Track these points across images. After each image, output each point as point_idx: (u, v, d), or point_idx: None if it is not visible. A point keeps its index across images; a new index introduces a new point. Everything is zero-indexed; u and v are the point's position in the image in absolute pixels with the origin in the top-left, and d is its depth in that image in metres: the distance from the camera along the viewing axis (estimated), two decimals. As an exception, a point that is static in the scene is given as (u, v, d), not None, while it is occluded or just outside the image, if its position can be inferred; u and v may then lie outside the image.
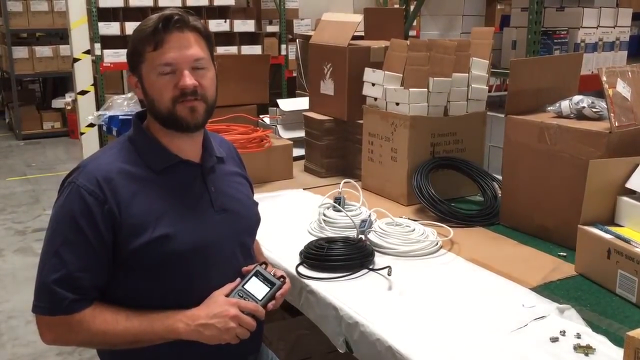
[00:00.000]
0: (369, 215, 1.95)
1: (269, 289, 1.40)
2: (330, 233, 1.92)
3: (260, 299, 1.38)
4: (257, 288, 1.39)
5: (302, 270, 1.69)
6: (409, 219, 2.06)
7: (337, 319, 1.49)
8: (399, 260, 1.76)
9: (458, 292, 1.57)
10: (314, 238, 1.89)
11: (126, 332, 1.31)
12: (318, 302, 1.58)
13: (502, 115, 2.48)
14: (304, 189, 2.51)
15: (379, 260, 1.74)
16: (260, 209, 2.28)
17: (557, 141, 1.84)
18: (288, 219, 2.13)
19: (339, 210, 1.99)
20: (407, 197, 2.26)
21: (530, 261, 1.78)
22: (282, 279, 1.44)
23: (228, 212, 1.46)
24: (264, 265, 1.44)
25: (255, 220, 1.59)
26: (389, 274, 1.60)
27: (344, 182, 2.09)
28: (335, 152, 2.68)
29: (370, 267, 1.69)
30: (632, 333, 1.05)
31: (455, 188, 2.33)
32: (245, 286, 1.38)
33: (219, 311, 1.32)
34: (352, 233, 1.87)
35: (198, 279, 1.38)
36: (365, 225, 1.87)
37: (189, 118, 1.35)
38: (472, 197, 2.35)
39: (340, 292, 1.57)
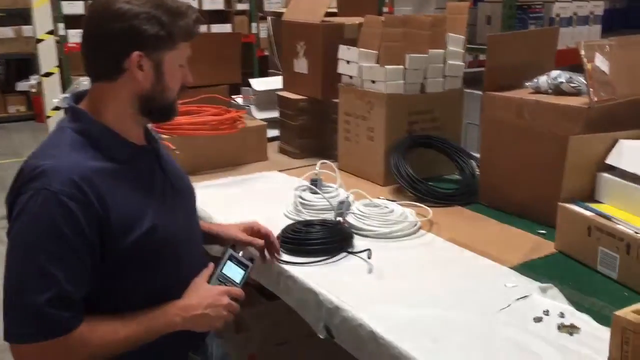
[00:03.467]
0: (347, 197, 1.91)
1: (244, 271, 1.43)
2: (307, 216, 1.87)
3: (238, 282, 1.40)
4: (233, 272, 1.41)
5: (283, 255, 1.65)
6: (387, 199, 2.03)
7: (317, 304, 1.46)
8: (379, 242, 1.73)
9: (439, 273, 1.55)
10: (291, 222, 1.85)
11: (127, 339, 1.25)
12: (297, 287, 1.54)
13: (479, 92, 2.45)
14: (279, 170, 2.45)
15: (358, 242, 1.71)
16: (234, 192, 2.24)
17: (536, 117, 1.82)
18: (264, 202, 2.08)
19: (316, 192, 1.95)
20: (384, 177, 2.22)
21: (510, 240, 1.76)
22: (251, 260, 1.46)
23: (182, 193, 1.44)
24: (232, 248, 1.46)
25: (195, 195, 1.54)
26: (369, 257, 1.56)
27: (321, 163, 2.04)
28: (311, 132, 2.63)
29: (350, 250, 1.66)
30: (619, 313, 1.03)
31: (433, 167, 2.30)
32: (223, 271, 1.39)
33: (212, 301, 1.33)
34: (330, 215, 1.83)
35: (184, 266, 1.37)
36: (343, 207, 1.83)
37: (177, 110, 1.39)
38: (450, 176, 2.33)
39: (319, 276, 1.53)
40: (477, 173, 2.18)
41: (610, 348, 1.05)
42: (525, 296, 1.41)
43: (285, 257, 1.63)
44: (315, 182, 1.98)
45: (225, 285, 1.38)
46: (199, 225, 1.54)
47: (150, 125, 1.44)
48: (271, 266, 1.62)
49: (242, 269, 1.42)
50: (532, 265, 1.59)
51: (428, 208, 1.90)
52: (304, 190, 1.99)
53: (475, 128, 2.60)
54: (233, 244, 1.51)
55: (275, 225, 1.76)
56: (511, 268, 1.56)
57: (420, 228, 1.82)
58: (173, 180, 1.41)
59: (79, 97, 1.34)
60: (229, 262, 1.41)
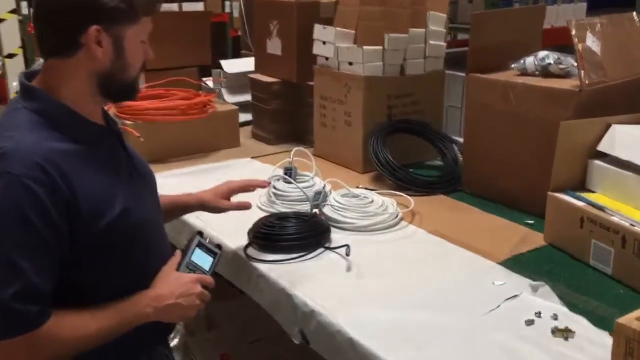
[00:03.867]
0: (323, 187, 1.79)
1: (212, 258, 1.35)
2: (281, 208, 1.75)
3: (207, 270, 1.33)
4: (202, 259, 1.34)
5: (251, 252, 1.53)
6: (366, 188, 1.91)
7: (291, 307, 1.34)
8: (358, 236, 1.61)
9: (422, 270, 1.44)
10: (265, 214, 1.73)
11: (98, 333, 1.15)
12: (269, 287, 1.42)
13: (460, 74, 2.35)
14: (252, 157, 2.32)
15: (336, 236, 1.60)
16: (204, 181, 2.10)
17: (523, 101, 1.71)
18: (235, 192, 1.95)
19: (290, 182, 1.83)
20: (362, 164, 2.11)
21: (496, 231, 1.66)
22: (219, 247, 1.38)
23: (146, 178, 1.36)
24: (200, 234, 1.38)
25: (156, 181, 1.45)
26: (347, 254, 1.45)
27: (295, 150, 1.91)
28: (285, 117, 2.50)
29: (327, 245, 1.54)
30: (622, 320, 0.93)
31: (413, 153, 2.19)
32: (192, 259, 1.32)
33: (184, 290, 1.25)
34: (306, 207, 1.71)
35: (153, 254, 1.30)
36: (319, 198, 1.71)
37: (138, 89, 1.31)
38: (431, 162, 2.23)
39: (294, 275, 1.41)
40: (460, 158, 2.07)
41: (613, 359, 0.95)
42: (515, 295, 1.31)
43: (257, 254, 1.52)
44: (289, 171, 1.86)
45: (195, 273, 1.30)
46: (163, 214, 1.44)
47: (110, 110, 1.35)
48: (241, 263, 1.51)
49: (210, 256, 1.35)
50: (520, 259, 1.49)
51: (409, 197, 1.79)
52: (277, 179, 1.86)
53: (457, 111, 2.49)
54: (200, 231, 1.42)
55: (248, 219, 1.64)
56: (499, 263, 1.46)
57: (401, 219, 1.71)
58: (137, 164, 1.32)
59: (31, 75, 1.22)
60: (197, 250, 1.34)
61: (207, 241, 1.38)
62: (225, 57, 4.33)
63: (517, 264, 1.46)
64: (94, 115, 1.23)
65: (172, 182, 1.94)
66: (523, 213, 1.74)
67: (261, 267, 1.47)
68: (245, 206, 1.54)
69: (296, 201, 1.76)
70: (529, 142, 1.71)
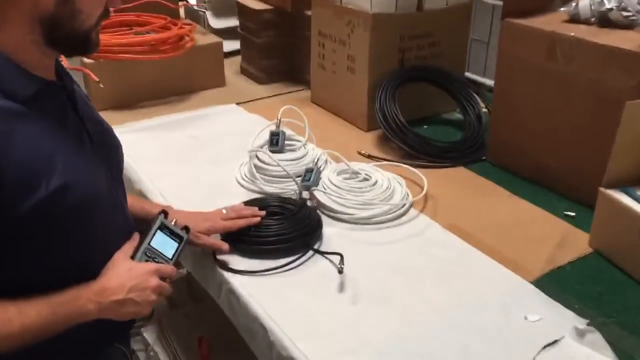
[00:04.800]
0: (316, 160, 1.46)
1: (177, 243, 1.13)
2: (264, 185, 1.43)
3: (170, 257, 1.11)
4: (164, 244, 1.11)
5: (223, 254, 1.22)
6: (369, 156, 1.59)
7: (266, 344, 1.05)
8: (356, 231, 1.30)
9: (434, 293, 1.13)
10: (244, 192, 1.42)
11: (24, 331, 0.93)
12: (242, 309, 1.13)
13: (490, 1, 1.95)
14: (237, 103, 1.97)
15: (329, 230, 1.29)
16: (174, 139, 1.77)
17: (574, 60, 1.33)
18: (213, 157, 1.62)
19: (276, 152, 1.50)
20: (367, 121, 1.76)
21: (528, 227, 1.33)
22: (185, 230, 1.15)
23: (104, 148, 1.10)
24: (164, 214, 1.13)
25: (122, 153, 1.20)
26: (340, 271, 1.14)
27: (284, 110, 1.56)
28: (277, 51, 2.12)
29: (317, 246, 1.24)
30: None
31: (427, 104, 1.84)
32: (151, 244, 1.08)
33: (137, 282, 1.03)
34: (293, 186, 1.40)
35: (106, 240, 1.06)
36: (310, 177, 1.38)
37: (97, 42, 1.01)
38: (449, 114, 1.87)
39: (272, 295, 1.11)
40: (484, 111, 1.73)
41: None
42: (555, 341, 1.01)
43: (228, 257, 1.21)
44: (275, 137, 1.52)
45: (155, 261, 1.08)
46: (125, 192, 1.18)
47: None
48: (210, 266, 1.21)
49: (174, 240, 1.12)
50: (560, 276, 1.18)
51: (422, 175, 1.46)
52: (262, 147, 1.53)
53: (483, 47, 2.10)
54: (164, 210, 1.15)
55: (225, 199, 1.34)
56: (533, 282, 1.15)
57: (411, 206, 1.39)
58: (91, 130, 1.05)
59: None
60: (158, 233, 1.11)
61: (173, 223, 1.14)
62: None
63: (555, 281, 1.15)
64: (39, 69, 0.97)
65: (132, 139, 1.62)
66: (561, 197, 1.42)
67: (232, 279, 1.17)
68: (220, 248, 1.22)
69: (282, 177, 1.44)
70: (577, 112, 1.36)
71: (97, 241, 1.04)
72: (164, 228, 1.12)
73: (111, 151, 1.14)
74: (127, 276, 1.02)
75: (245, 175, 1.49)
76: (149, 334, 1.90)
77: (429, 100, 1.83)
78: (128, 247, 1.08)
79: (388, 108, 1.64)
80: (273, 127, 1.53)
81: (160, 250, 1.09)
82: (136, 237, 1.10)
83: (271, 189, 1.43)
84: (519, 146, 1.51)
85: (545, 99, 1.41)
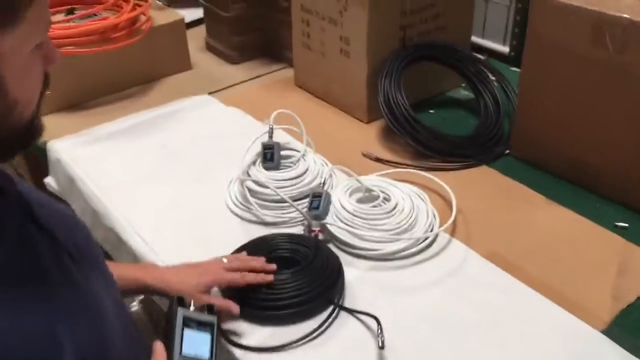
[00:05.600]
0: (323, 182, 1.22)
1: (209, 334, 0.88)
2: (264, 215, 1.20)
3: (210, 357, 0.85)
4: (196, 343, 0.86)
5: (229, 320, 1.00)
6: (377, 159, 1.37)
7: None
8: (381, 272, 1.09)
9: (490, 353, 0.94)
10: (238, 221, 1.19)
11: None
12: (262, 398, 0.92)
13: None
14: (210, 93, 1.69)
15: (349, 273, 1.07)
16: (138, 149, 1.50)
17: (627, 47, 1.11)
18: (191, 173, 1.37)
19: (273, 169, 1.26)
20: (367, 111, 1.52)
21: (577, 245, 1.14)
22: (209, 311, 0.91)
23: (83, 250, 0.76)
24: (178, 302, 0.88)
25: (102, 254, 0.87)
26: (381, 345, 0.93)
27: (275, 115, 1.30)
28: (250, 25, 1.82)
29: (340, 299, 1.02)
30: None
31: (431, 83, 1.62)
32: (184, 352, 0.83)
33: None
34: (295, 214, 1.17)
35: None
36: (319, 205, 1.15)
37: (41, 127, 0.68)
38: (454, 92, 1.65)
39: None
40: (496, 85, 1.51)
41: None
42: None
43: (233, 325, 0.99)
44: (269, 151, 1.27)
45: None
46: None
47: None
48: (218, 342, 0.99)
49: (205, 332, 0.88)
50: (632, 317, 1.00)
51: (444, 185, 1.24)
52: (253, 163, 1.28)
53: (503, 10, 1.86)
54: (179, 296, 0.89)
55: (217, 229, 1.12)
56: (604, 332, 0.97)
57: (439, 229, 1.18)
58: (69, 242, 0.73)
59: None
60: (185, 332, 0.85)
61: (192, 309, 0.89)
62: None
63: (628, 326, 0.98)
64: None
65: (97, 152, 1.37)
66: (604, 200, 1.24)
67: (245, 357, 0.95)
68: (229, 309, 0.97)
69: (283, 202, 1.20)
70: (630, 106, 1.15)
71: None
72: (188, 322, 0.87)
73: (93, 250, 0.81)
74: None
75: (237, 199, 1.25)
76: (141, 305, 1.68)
77: (433, 79, 1.59)
78: None
79: (394, 98, 1.40)
80: (265, 140, 1.28)
81: (195, 355, 0.84)
82: (159, 351, 0.78)
83: (271, 217, 1.20)
84: (550, 140, 1.30)
85: (588, 89, 1.19)
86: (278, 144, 1.27)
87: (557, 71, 1.23)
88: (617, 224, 1.18)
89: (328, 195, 1.18)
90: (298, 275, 1.01)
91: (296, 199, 1.20)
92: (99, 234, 1.28)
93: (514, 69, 1.77)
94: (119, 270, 0.91)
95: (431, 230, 1.15)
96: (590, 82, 1.18)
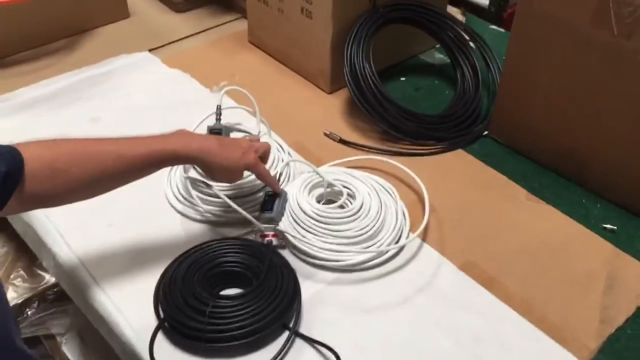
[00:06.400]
0: (277, 174, 1.06)
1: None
2: (207, 211, 1.03)
3: None
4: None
5: (163, 350, 0.86)
6: (340, 140, 1.20)
7: None
8: (343, 287, 0.95)
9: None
10: (179, 218, 1.03)
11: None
12: None
13: None
14: (150, 50, 1.48)
15: (306, 289, 0.93)
16: (73, 127, 1.31)
17: (634, 33, 0.96)
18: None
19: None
20: (331, 79, 1.34)
21: (560, 253, 1.02)
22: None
23: None
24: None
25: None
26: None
27: (224, 91, 1.11)
28: (198, -31, 1.59)
29: (295, 325, 0.89)
30: None
31: (403, 46, 1.44)
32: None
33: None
34: (252, 202, 1.02)
35: None
36: (273, 207, 1.00)
37: None
38: (426, 54, 1.49)
39: None
40: (477, 53, 1.35)
41: None
42: None
43: (173, 355, 0.85)
44: (217, 134, 1.09)
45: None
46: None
47: None
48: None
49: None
50: (620, 344, 0.90)
51: (417, 178, 1.09)
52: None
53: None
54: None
55: (155, 229, 0.97)
56: (591, 362, 0.87)
57: (409, 231, 1.04)
58: None
59: None
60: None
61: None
62: None
63: (614, 356, 0.88)
64: None
65: (16, 127, 1.21)
66: (590, 194, 1.12)
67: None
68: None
69: (234, 197, 1.04)
70: (633, 100, 1.01)
71: None
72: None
73: None
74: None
75: (180, 192, 1.08)
76: (68, 347, 1.55)
77: (405, 40, 1.42)
78: None
79: (361, 69, 1.23)
80: (213, 123, 1.09)
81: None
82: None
83: (217, 215, 1.04)
84: (536, 124, 1.16)
85: (585, 73, 1.04)
86: (227, 127, 1.09)
87: (550, 47, 1.07)
88: (605, 226, 1.07)
89: (284, 194, 1.02)
90: (249, 297, 0.86)
91: (247, 195, 1.04)
92: (18, 226, 1.10)
93: (494, 27, 1.61)
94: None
95: (399, 237, 1.01)
96: (588, 65, 1.03)
